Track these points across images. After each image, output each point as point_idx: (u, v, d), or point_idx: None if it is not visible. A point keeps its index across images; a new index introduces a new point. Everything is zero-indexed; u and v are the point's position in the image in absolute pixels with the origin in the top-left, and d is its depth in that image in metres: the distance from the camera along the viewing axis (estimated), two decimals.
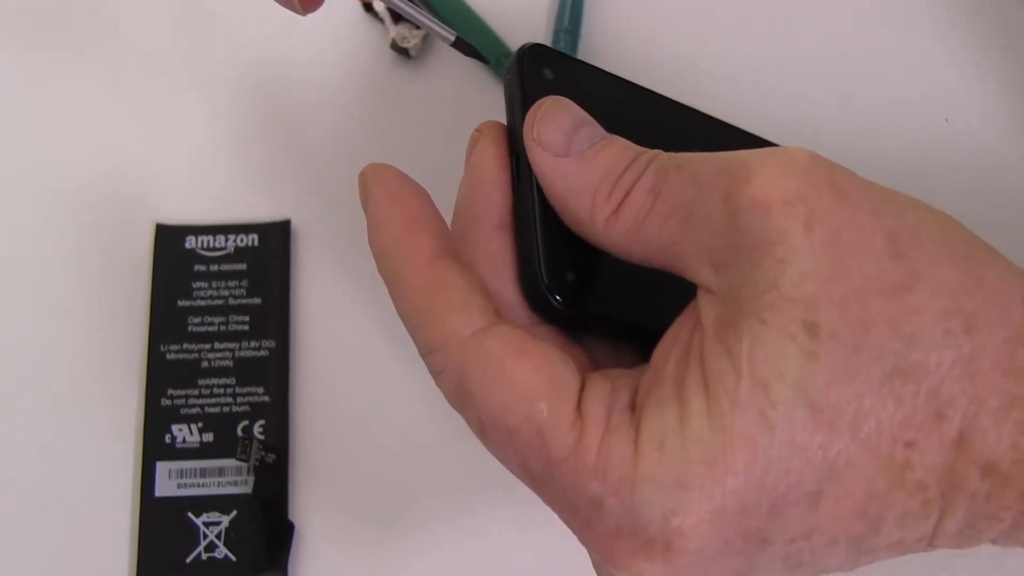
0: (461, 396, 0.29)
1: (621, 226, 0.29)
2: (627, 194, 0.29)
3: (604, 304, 0.32)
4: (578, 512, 0.27)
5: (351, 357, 0.44)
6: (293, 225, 0.46)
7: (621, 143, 0.30)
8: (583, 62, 0.36)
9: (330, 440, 0.43)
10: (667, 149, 0.30)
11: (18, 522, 0.42)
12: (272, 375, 0.44)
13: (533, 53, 0.33)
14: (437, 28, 0.33)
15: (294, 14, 0.36)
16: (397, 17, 0.49)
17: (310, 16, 0.51)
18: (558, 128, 0.30)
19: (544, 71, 0.33)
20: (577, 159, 0.30)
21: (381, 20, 0.50)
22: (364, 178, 0.31)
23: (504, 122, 0.33)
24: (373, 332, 0.45)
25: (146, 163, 0.48)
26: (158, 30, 0.50)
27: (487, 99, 0.49)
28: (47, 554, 0.41)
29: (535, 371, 0.28)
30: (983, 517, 0.26)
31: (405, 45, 0.49)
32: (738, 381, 0.26)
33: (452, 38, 0.34)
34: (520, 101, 0.32)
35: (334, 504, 0.42)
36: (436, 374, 0.29)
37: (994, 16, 0.51)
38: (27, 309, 0.45)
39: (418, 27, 0.49)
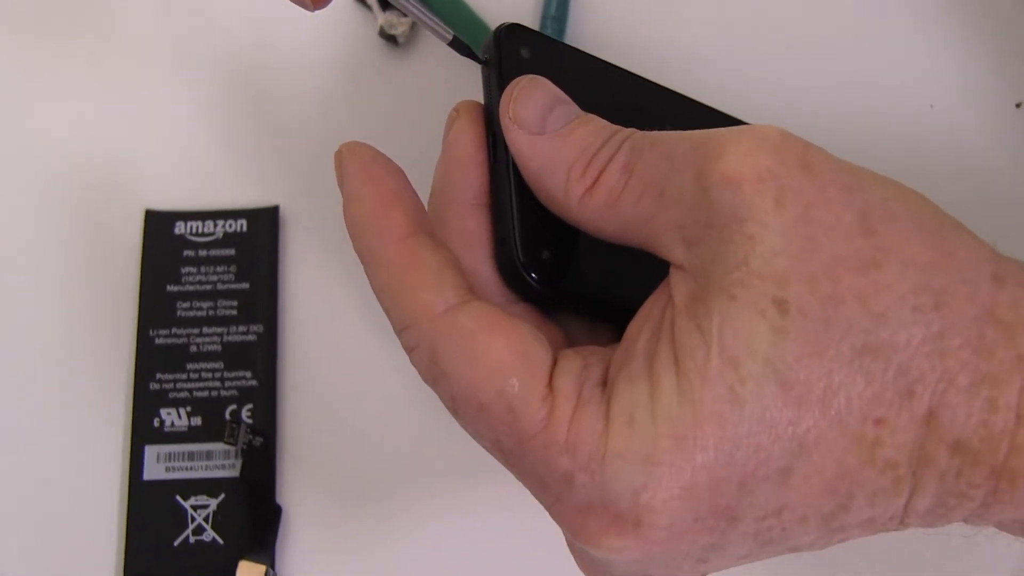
0: (433, 372, 0.29)
1: (595, 203, 0.29)
2: (601, 172, 0.29)
3: (579, 282, 0.32)
4: (549, 488, 0.27)
5: (339, 342, 0.45)
6: (281, 211, 0.47)
7: (596, 121, 0.30)
8: (560, 42, 0.36)
9: (317, 424, 0.43)
10: (645, 127, 0.30)
11: (7, 505, 0.42)
12: (260, 359, 0.44)
13: (510, 33, 0.33)
14: (435, 26, 0.34)
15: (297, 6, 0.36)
16: (385, 4, 0.49)
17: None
18: (534, 106, 0.31)
19: (521, 51, 0.33)
20: (552, 137, 0.30)
21: (369, 7, 0.50)
22: (340, 155, 0.31)
23: (482, 102, 0.33)
24: (361, 317, 0.45)
25: (135, 149, 0.48)
26: (147, 16, 0.51)
27: (475, 86, 0.49)
28: (36, 537, 0.42)
29: (507, 347, 0.28)
30: (953, 495, 0.26)
31: (393, 32, 0.49)
32: (708, 357, 0.26)
33: (449, 37, 0.34)
34: (497, 80, 0.32)
35: (321, 487, 0.43)
36: (409, 350, 0.29)
37: (978, 2, 0.51)
38: (16, 294, 0.45)
39: (409, 17, 0.49)
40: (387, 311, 0.30)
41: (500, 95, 0.32)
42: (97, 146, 0.48)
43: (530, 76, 0.31)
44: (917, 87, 0.49)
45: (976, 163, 0.48)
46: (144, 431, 0.43)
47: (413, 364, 0.30)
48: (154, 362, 0.44)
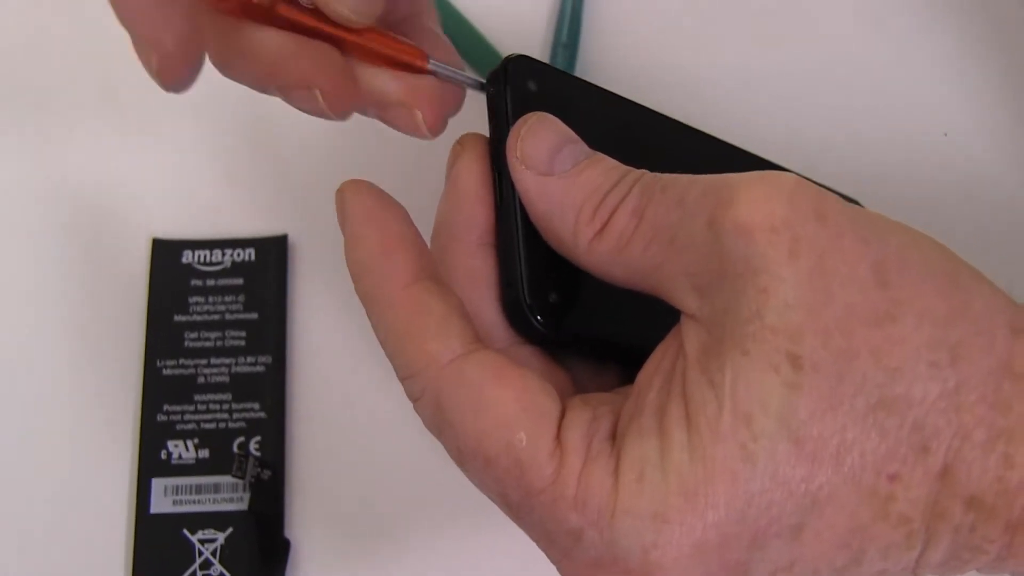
0: (439, 422, 0.28)
1: (604, 248, 0.29)
2: (611, 216, 0.29)
3: (586, 326, 0.31)
4: (557, 543, 0.27)
5: (348, 373, 0.44)
6: (290, 240, 0.46)
7: (606, 162, 0.30)
8: (569, 75, 0.35)
9: (326, 457, 0.43)
10: (655, 164, 0.30)
11: (12, 538, 0.42)
12: (268, 391, 0.43)
13: (518, 65, 0.33)
14: (472, 79, 0.33)
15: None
16: None
17: None
18: (542, 145, 0.30)
19: (528, 83, 0.33)
20: (560, 178, 0.30)
21: None
22: (341, 195, 0.30)
23: (487, 134, 0.33)
24: (370, 348, 0.44)
25: (143, 178, 0.47)
26: None
27: (484, 111, 0.49)
28: (42, 571, 0.41)
29: (514, 399, 0.27)
30: (967, 549, 0.26)
31: None
32: (720, 413, 0.25)
33: (483, 82, 0.33)
34: (504, 115, 0.32)
35: (330, 521, 0.42)
36: (414, 400, 0.29)
37: (993, 32, 0.51)
38: (24, 323, 0.45)
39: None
40: (391, 358, 0.29)
41: (507, 129, 0.31)
42: (104, 174, 0.48)
43: (539, 114, 0.31)
44: (930, 115, 0.49)
45: (990, 191, 0.47)
46: (151, 463, 0.42)
47: (417, 413, 0.29)
48: (161, 393, 0.43)
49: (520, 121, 0.31)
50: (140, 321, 0.45)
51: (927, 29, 0.51)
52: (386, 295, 0.29)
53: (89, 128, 0.48)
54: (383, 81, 0.32)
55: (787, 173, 0.27)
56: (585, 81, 0.35)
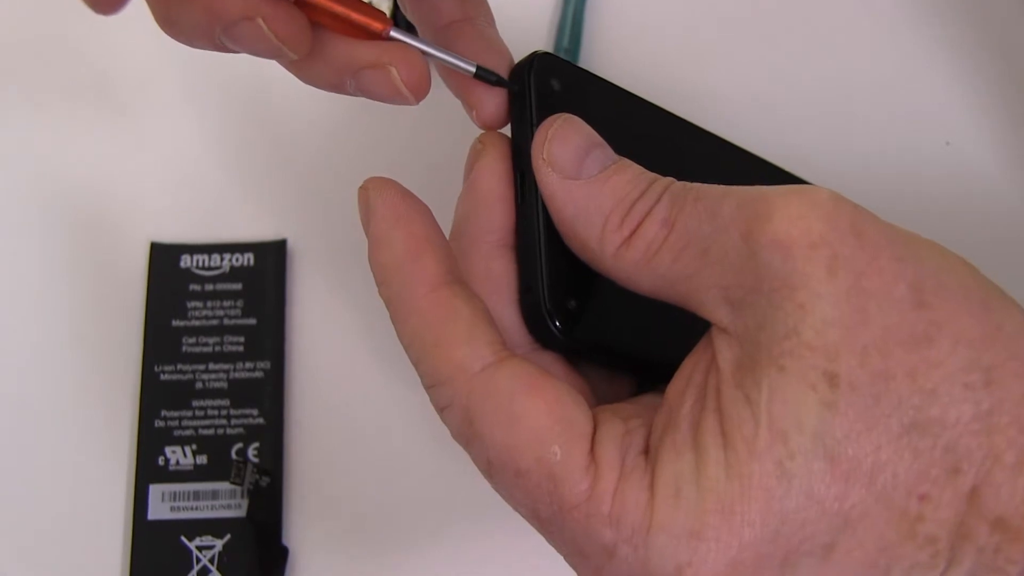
0: (468, 433, 0.28)
1: (632, 256, 0.28)
2: (640, 223, 0.28)
3: (605, 334, 0.31)
4: (589, 559, 0.27)
5: (347, 379, 0.44)
6: (289, 244, 0.46)
7: (634, 168, 0.29)
8: (592, 74, 0.34)
9: (325, 463, 0.43)
10: (679, 169, 0.29)
11: (9, 544, 0.41)
12: (267, 397, 0.43)
13: (542, 62, 0.32)
14: (455, 61, 0.32)
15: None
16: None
17: None
18: (570, 148, 0.29)
19: (552, 82, 0.32)
20: (588, 183, 0.29)
21: None
22: (366, 192, 0.30)
23: (508, 134, 0.32)
24: (369, 353, 0.44)
25: (141, 181, 0.47)
26: (153, 48, 0.50)
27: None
28: None
29: (548, 412, 0.27)
30: (989, 569, 0.26)
31: None
32: (756, 430, 0.25)
33: (473, 69, 0.32)
34: (528, 113, 0.31)
35: (329, 528, 0.42)
36: (441, 409, 0.28)
37: (995, 40, 0.51)
38: (21, 328, 0.45)
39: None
40: (416, 365, 0.28)
41: (531, 129, 0.30)
42: (102, 178, 0.47)
43: (565, 116, 0.30)
44: (932, 125, 0.49)
45: (993, 200, 0.47)
46: (149, 469, 0.42)
47: (444, 422, 0.28)
48: (159, 399, 0.43)
49: (547, 122, 0.30)
50: (138, 326, 0.44)
51: (930, 39, 0.51)
52: (412, 300, 0.28)
53: (88, 131, 0.48)
54: (352, 45, 0.30)
55: (822, 188, 0.27)
56: (610, 83, 0.34)
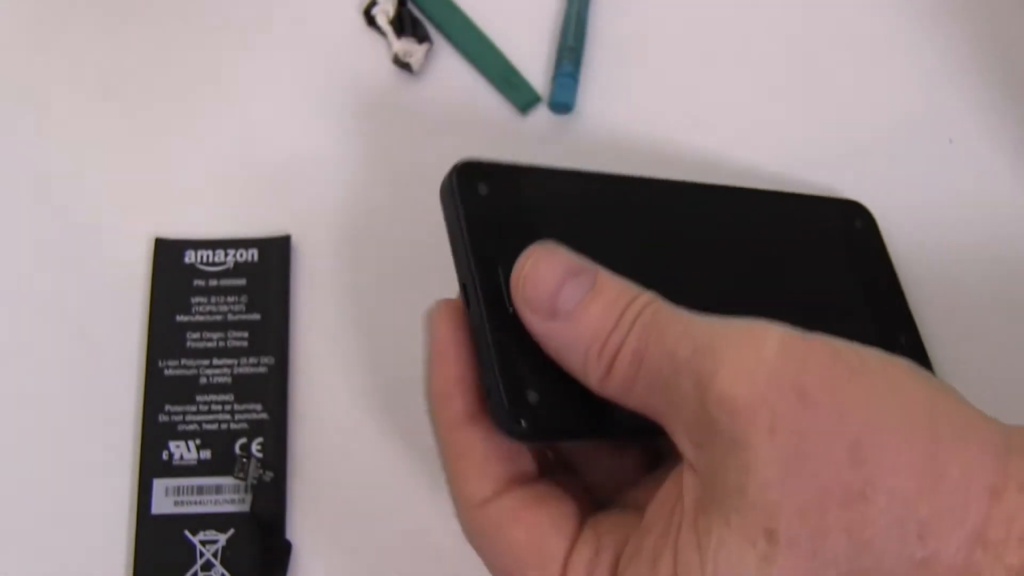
0: (474, 548, 0.33)
1: (613, 386, 0.30)
2: (614, 358, 0.30)
3: (572, 420, 0.32)
4: None
5: (351, 374, 0.44)
6: (293, 240, 0.46)
7: (607, 294, 0.31)
8: (522, 165, 0.35)
9: (329, 459, 0.43)
10: (642, 238, 0.32)
11: (12, 539, 0.42)
12: (271, 392, 0.43)
13: (464, 171, 0.33)
14: None
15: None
16: (399, 31, 0.49)
17: (312, 29, 0.50)
18: (543, 289, 0.31)
19: (478, 187, 0.33)
20: (565, 322, 0.31)
21: (383, 34, 0.50)
22: (430, 318, 0.33)
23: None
24: (373, 349, 0.44)
25: (145, 177, 0.47)
26: (157, 42, 0.50)
27: (489, 114, 0.49)
28: (43, 572, 0.41)
29: (526, 542, 0.31)
30: None
31: (407, 60, 0.49)
32: None
33: None
34: (458, 226, 0.32)
35: (332, 523, 0.42)
36: (461, 528, 0.33)
37: (997, 36, 0.51)
38: (24, 323, 0.45)
39: (420, 41, 0.49)
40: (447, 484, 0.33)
41: (463, 241, 0.32)
42: (106, 174, 0.47)
43: (536, 251, 0.31)
44: (935, 122, 0.49)
45: (996, 198, 0.47)
46: (152, 464, 0.42)
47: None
48: (163, 393, 0.43)
49: (520, 261, 0.32)
50: (142, 321, 0.44)
51: (932, 36, 0.51)
52: (439, 433, 0.33)
53: (91, 127, 0.48)
54: None
55: (770, 334, 0.28)
56: (539, 167, 0.35)
